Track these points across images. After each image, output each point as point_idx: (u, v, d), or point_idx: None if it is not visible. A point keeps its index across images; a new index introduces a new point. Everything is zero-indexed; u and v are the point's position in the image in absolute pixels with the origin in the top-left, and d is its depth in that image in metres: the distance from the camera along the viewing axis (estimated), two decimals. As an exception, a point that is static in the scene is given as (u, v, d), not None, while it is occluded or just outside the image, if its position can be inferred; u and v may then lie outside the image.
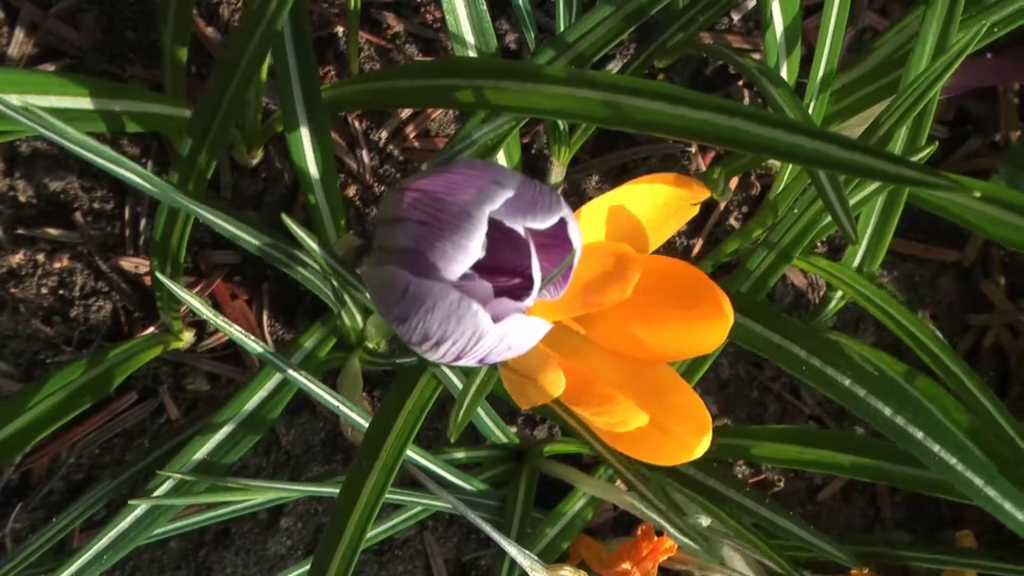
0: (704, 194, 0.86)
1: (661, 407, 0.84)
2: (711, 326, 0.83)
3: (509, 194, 0.65)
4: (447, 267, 0.65)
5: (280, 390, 1.02)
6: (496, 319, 0.67)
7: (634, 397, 0.84)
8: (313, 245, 0.79)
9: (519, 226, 0.68)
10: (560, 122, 1.06)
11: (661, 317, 0.85)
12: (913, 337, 1.08)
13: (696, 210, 0.87)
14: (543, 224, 0.68)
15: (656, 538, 1.02)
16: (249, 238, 0.91)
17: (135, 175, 0.84)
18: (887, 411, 0.93)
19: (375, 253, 0.70)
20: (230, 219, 0.87)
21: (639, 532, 1.02)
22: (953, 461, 0.93)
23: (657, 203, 0.86)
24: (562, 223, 0.69)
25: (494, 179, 0.66)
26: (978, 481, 0.93)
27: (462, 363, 0.69)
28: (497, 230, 0.71)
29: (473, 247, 0.65)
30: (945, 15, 0.97)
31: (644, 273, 0.83)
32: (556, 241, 0.71)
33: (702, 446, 0.84)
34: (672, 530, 0.99)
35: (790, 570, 1.00)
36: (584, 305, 0.80)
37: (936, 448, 0.93)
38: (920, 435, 0.93)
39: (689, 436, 0.84)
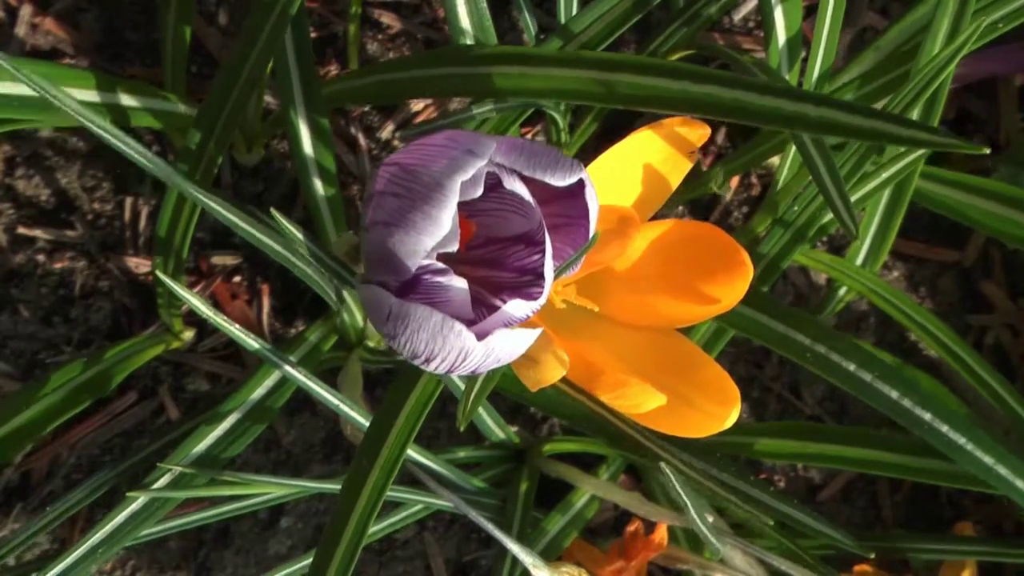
0: (704, 132, 0.84)
1: (684, 380, 0.83)
2: (731, 281, 0.82)
3: (482, 163, 0.65)
4: (419, 239, 0.64)
5: (279, 388, 1.02)
6: (501, 325, 0.67)
7: (655, 371, 0.83)
8: (299, 236, 0.79)
9: (531, 176, 0.67)
10: (560, 121, 1.06)
11: (677, 279, 0.84)
12: (923, 329, 1.07)
13: (695, 159, 0.86)
14: (562, 181, 0.67)
15: (648, 535, 1.02)
16: (255, 231, 0.91)
17: (149, 161, 0.84)
18: (894, 394, 0.93)
19: (360, 233, 0.70)
20: (238, 211, 0.87)
21: (629, 530, 1.02)
22: (962, 441, 0.92)
23: (656, 157, 0.85)
24: (580, 187, 0.69)
25: (468, 148, 0.65)
26: (988, 460, 0.93)
27: (455, 374, 0.69)
28: (507, 203, 0.71)
29: (444, 218, 0.64)
30: (957, 5, 0.97)
31: (656, 236, 0.83)
32: (568, 220, 0.71)
33: (731, 417, 0.83)
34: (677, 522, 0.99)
35: (818, 567, 0.99)
36: (585, 265, 0.79)
37: (944, 429, 0.93)
38: (928, 416, 0.93)
39: (716, 407, 0.83)
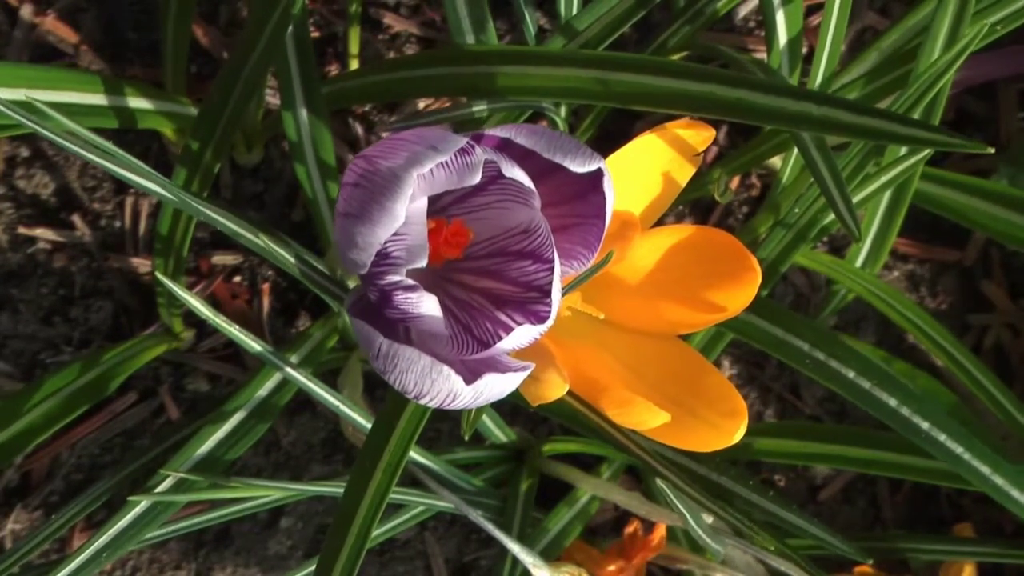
0: (708, 135, 0.83)
1: (690, 391, 0.82)
2: (739, 286, 0.82)
3: (443, 158, 0.65)
4: (373, 231, 0.64)
5: (280, 389, 1.02)
6: (505, 350, 0.67)
7: (660, 381, 0.83)
8: (290, 259, 0.79)
9: (551, 159, 0.66)
10: (560, 123, 1.06)
11: (684, 284, 0.83)
12: (921, 331, 1.08)
13: (699, 162, 0.85)
14: (582, 167, 0.67)
15: (647, 535, 1.02)
16: (254, 238, 0.91)
17: (142, 176, 0.84)
18: (892, 402, 0.93)
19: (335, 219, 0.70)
20: (237, 220, 0.87)
21: (627, 531, 1.02)
22: (960, 450, 0.93)
23: (660, 161, 0.84)
24: (592, 186, 0.68)
25: (431, 144, 0.65)
26: (984, 470, 0.93)
27: (446, 409, 0.69)
28: (508, 193, 0.70)
29: (398, 209, 0.64)
30: (957, 7, 0.97)
31: (661, 242, 0.82)
32: (580, 219, 0.70)
33: (739, 431, 0.82)
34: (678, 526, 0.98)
35: (807, 568, 0.99)
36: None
37: (942, 438, 0.93)
38: (926, 425, 0.93)
39: (723, 420, 0.82)
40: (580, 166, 0.67)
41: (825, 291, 1.23)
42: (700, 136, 0.83)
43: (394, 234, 0.65)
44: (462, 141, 0.65)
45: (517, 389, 0.75)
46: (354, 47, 1.19)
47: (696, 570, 1.07)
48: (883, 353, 1.20)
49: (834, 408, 1.25)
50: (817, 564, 1.05)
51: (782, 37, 1.06)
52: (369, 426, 0.94)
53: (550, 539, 1.11)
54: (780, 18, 1.05)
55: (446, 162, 0.65)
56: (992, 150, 0.80)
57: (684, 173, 0.85)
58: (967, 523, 1.18)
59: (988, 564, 1.19)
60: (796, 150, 1.08)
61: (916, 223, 1.25)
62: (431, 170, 0.65)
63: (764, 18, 1.05)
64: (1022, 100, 1.28)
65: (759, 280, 0.82)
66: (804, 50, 1.12)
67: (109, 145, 0.83)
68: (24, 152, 1.19)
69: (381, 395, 1.20)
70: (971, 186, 1.10)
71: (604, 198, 0.68)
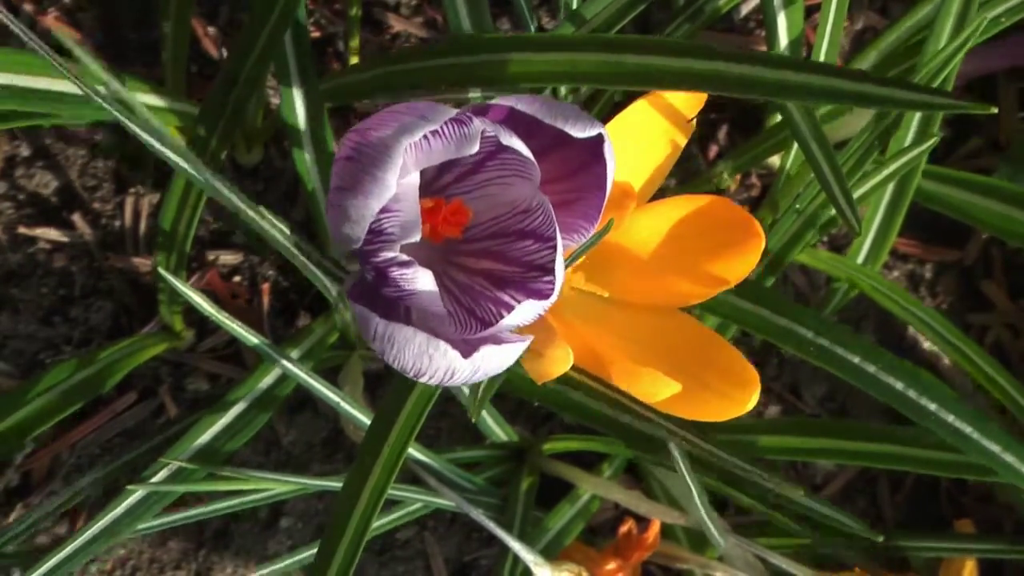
0: (700, 97, 0.83)
1: (700, 363, 0.82)
2: (743, 253, 0.81)
3: (432, 127, 0.65)
4: (366, 203, 0.65)
5: (280, 382, 1.02)
6: (511, 327, 0.67)
7: (670, 355, 0.82)
8: (289, 232, 0.79)
9: (552, 125, 0.66)
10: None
11: (688, 254, 0.83)
12: (927, 325, 1.07)
13: (692, 129, 0.85)
14: (582, 133, 0.67)
15: (641, 534, 1.02)
16: (264, 223, 0.91)
17: (170, 149, 0.83)
18: (899, 385, 0.93)
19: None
20: (253, 207, 0.86)
21: (622, 531, 1.02)
22: (968, 430, 0.92)
23: (653, 130, 0.83)
24: (593, 158, 0.68)
25: (421, 115, 0.65)
26: (995, 448, 0.93)
27: (447, 385, 0.69)
28: (508, 166, 0.70)
29: (389, 179, 0.64)
30: (961, 2, 0.97)
31: (663, 213, 0.82)
32: (581, 194, 0.70)
33: (751, 399, 0.81)
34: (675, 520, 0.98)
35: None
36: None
37: (951, 419, 0.92)
38: (934, 407, 0.93)
39: (734, 390, 0.81)
40: (581, 131, 0.67)
41: (825, 291, 1.23)
42: (691, 100, 0.83)
43: (387, 210, 0.65)
44: (453, 112, 0.66)
45: (522, 369, 0.74)
46: (354, 47, 1.19)
47: (696, 569, 1.07)
48: (891, 356, 1.20)
49: (833, 407, 1.25)
50: (816, 564, 1.05)
51: (783, 38, 1.05)
52: (368, 423, 0.94)
53: (551, 538, 1.11)
54: (781, 19, 1.05)
55: (440, 131, 0.65)
56: (995, 110, 0.80)
57: (678, 140, 0.84)
58: (967, 519, 1.18)
59: (989, 561, 1.19)
60: (796, 146, 1.08)
61: (916, 223, 1.25)
62: (426, 140, 0.65)
63: (765, 19, 1.05)
64: (1022, 99, 1.29)
65: (763, 244, 0.82)
66: (805, 51, 1.12)
67: (143, 120, 0.83)
68: (24, 151, 1.19)
69: (382, 394, 1.19)
70: (972, 183, 1.10)
71: (604, 166, 0.68)
